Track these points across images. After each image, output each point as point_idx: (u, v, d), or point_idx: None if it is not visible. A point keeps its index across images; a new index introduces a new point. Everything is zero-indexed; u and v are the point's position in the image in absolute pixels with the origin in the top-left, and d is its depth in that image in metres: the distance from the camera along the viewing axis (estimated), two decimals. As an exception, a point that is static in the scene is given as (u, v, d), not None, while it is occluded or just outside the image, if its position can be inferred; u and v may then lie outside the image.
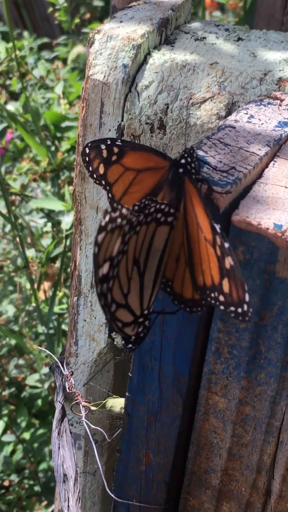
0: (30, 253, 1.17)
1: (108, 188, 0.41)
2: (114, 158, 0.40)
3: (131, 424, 0.48)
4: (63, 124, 1.17)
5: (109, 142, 0.40)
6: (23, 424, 1.20)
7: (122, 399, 0.56)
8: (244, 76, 0.50)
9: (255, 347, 0.40)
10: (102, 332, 0.63)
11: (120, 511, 0.54)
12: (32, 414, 1.25)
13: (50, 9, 1.42)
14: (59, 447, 0.55)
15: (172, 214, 0.36)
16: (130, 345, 0.38)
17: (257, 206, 0.37)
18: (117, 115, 0.53)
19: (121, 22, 0.54)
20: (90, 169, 0.41)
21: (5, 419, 1.21)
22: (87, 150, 0.41)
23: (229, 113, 0.50)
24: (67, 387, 0.62)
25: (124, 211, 0.32)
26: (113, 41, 0.52)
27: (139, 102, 0.52)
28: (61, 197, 1.11)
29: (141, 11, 0.57)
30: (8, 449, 1.21)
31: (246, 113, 0.46)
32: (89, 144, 0.41)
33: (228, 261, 0.32)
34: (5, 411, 1.22)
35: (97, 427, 0.55)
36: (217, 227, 0.33)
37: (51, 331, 1.15)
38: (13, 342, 1.24)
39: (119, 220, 0.32)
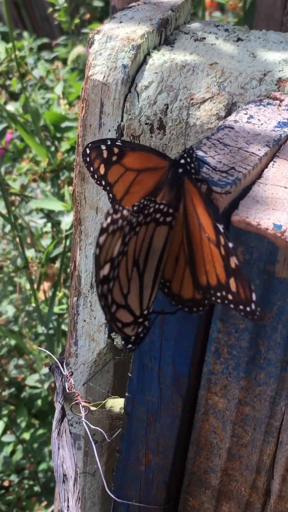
0: (30, 253, 1.17)
1: (108, 188, 0.41)
2: (114, 158, 0.40)
3: (130, 424, 0.49)
4: (63, 125, 1.17)
5: (109, 143, 0.40)
6: (23, 425, 1.20)
7: (121, 399, 0.56)
8: (244, 76, 0.50)
9: (254, 347, 0.40)
10: (101, 332, 0.63)
11: (120, 511, 0.54)
12: (32, 414, 1.25)
13: (50, 10, 1.42)
14: (58, 448, 0.55)
15: (171, 214, 0.36)
16: (129, 346, 0.38)
17: (256, 207, 0.37)
18: (116, 116, 0.53)
19: (120, 22, 0.54)
20: (91, 169, 0.41)
21: (5, 419, 1.21)
22: (88, 151, 0.41)
23: (228, 113, 0.50)
24: (66, 387, 0.62)
25: (125, 212, 0.32)
26: (112, 42, 0.52)
27: (138, 103, 0.52)
28: (61, 198, 1.11)
29: (141, 11, 0.57)
30: (8, 450, 1.21)
31: (246, 114, 0.46)
32: (90, 145, 0.41)
33: (233, 261, 0.33)
34: (5, 412, 1.22)
35: (96, 427, 0.55)
36: (221, 227, 0.33)
37: (51, 332, 1.15)
38: (13, 342, 1.24)
39: (120, 221, 0.32)
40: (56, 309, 1.12)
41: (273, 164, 0.41)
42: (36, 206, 1.14)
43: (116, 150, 0.40)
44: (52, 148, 1.20)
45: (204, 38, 0.56)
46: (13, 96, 1.47)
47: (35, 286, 1.06)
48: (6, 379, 1.20)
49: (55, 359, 0.67)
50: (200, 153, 0.40)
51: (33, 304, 1.12)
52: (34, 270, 1.14)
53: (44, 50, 1.64)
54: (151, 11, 0.57)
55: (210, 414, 0.45)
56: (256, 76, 0.50)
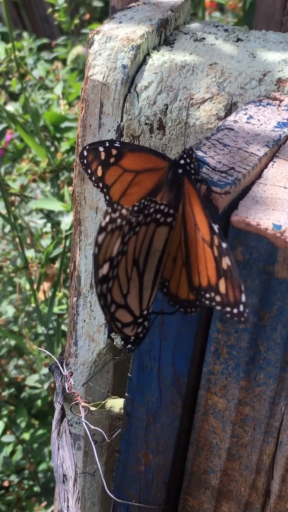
0: (30, 253, 1.17)
1: (105, 190, 0.41)
2: (112, 160, 0.40)
3: (130, 424, 0.49)
4: (63, 125, 1.17)
5: (107, 144, 0.40)
6: (23, 425, 1.20)
7: (121, 399, 0.56)
8: (244, 76, 0.50)
9: (254, 347, 0.40)
10: (101, 333, 0.63)
11: (120, 511, 0.54)
12: (31, 414, 1.25)
13: (50, 10, 1.42)
14: (58, 448, 0.55)
15: (171, 214, 0.36)
16: (129, 346, 0.38)
17: (256, 207, 0.37)
18: (116, 116, 0.53)
19: (120, 22, 0.54)
20: (89, 171, 0.41)
21: (5, 419, 1.21)
22: (85, 153, 0.41)
23: (228, 113, 0.50)
24: (66, 387, 0.62)
25: (124, 211, 0.32)
26: (112, 42, 0.52)
27: (138, 103, 0.52)
28: (61, 198, 1.11)
29: (140, 11, 0.57)
30: (7, 450, 1.21)
31: (245, 114, 0.46)
32: (87, 147, 0.41)
33: (225, 261, 0.32)
34: (4, 412, 1.22)
35: (96, 428, 0.55)
36: (215, 227, 0.33)
37: (51, 332, 1.15)
38: (12, 342, 1.24)
39: (119, 220, 0.32)
40: (56, 309, 1.12)
41: (273, 164, 0.41)
42: (36, 207, 1.14)
43: (114, 151, 0.40)
44: (52, 149, 1.20)
45: (203, 39, 0.56)
46: (13, 97, 1.47)
47: (35, 286, 1.06)
48: (6, 379, 1.20)
49: (55, 359, 0.67)
50: (199, 153, 0.40)
51: (33, 305, 1.12)
52: (34, 271, 1.14)
53: (43, 51, 1.64)
54: (150, 11, 0.57)
55: (210, 414, 0.45)
56: (256, 77, 0.50)
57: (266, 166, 0.41)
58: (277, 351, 0.39)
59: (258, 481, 0.45)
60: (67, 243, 1.07)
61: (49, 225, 1.24)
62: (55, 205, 1.07)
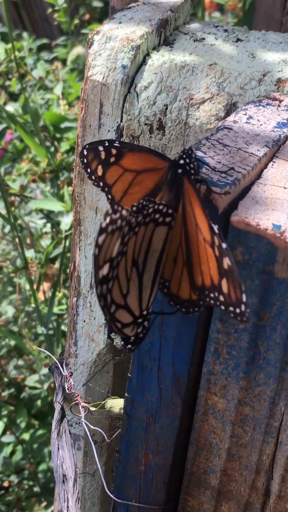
0: (30, 253, 1.17)
1: (107, 189, 0.41)
2: (112, 159, 0.40)
3: (130, 424, 0.49)
4: (63, 125, 1.17)
5: (107, 144, 0.40)
6: (23, 425, 1.20)
7: (121, 399, 0.56)
8: (243, 77, 0.50)
9: (254, 347, 0.40)
10: (101, 333, 0.63)
11: (119, 511, 0.54)
12: (31, 414, 1.25)
13: (50, 10, 1.42)
14: (58, 448, 0.55)
15: (170, 214, 0.36)
16: (129, 346, 0.38)
17: (256, 207, 0.37)
18: (116, 116, 0.53)
19: (120, 23, 0.55)
20: (89, 170, 0.41)
21: (5, 419, 1.21)
22: (85, 152, 0.41)
23: (228, 114, 0.50)
24: (66, 387, 0.62)
25: (124, 212, 0.33)
26: (112, 42, 0.52)
27: (138, 103, 0.52)
28: (61, 198, 1.11)
29: (140, 12, 0.57)
30: (7, 450, 1.21)
31: (245, 114, 0.46)
32: (87, 146, 0.41)
33: (226, 262, 0.33)
34: (4, 412, 1.22)
35: (96, 428, 0.55)
36: (215, 227, 0.33)
37: (51, 332, 1.15)
38: (12, 342, 1.24)
39: (119, 221, 0.32)
40: (55, 309, 1.12)
41: (272, 165, 0.41)
42: (36, 207, 1.14)
43: (114, 151, 0.40)
44: (52, 149, 1.20)
45: (203, 39, 0.56)
46: (13, 97, 1.47)
47: (35, 286, 1.06)
48: (5, 379, 1.20)
49: (55, 359, 0.67)
50: (199, 153, 0.40)
51: (33, 305, 1.12)
52: (34, 271, 1.14)
53: (43, 51, 1.64)
54: (150, 11, 0.57)
55: (210, 415, 0.45)
56: (256, 77, 0.50)
57: (265, 166, 0.41)
58: (277, 351, 0.39)
59: (258, 481, 0.45)
60: (67, 243, 1.07)
61: (49, 225, 1.24)
62: (55, 205, 1.07)
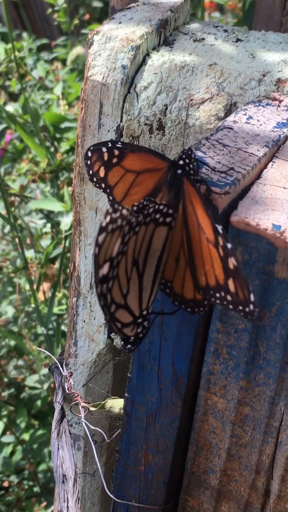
0: (30, 254, 1.17)
1: (108, 191, 0.41)
2: (114, 160, 0.40)
3: (130, 424, 0.49)
4: (62, 125, 1.17)
5: (110, 145, 0.40)
6: (23, 425, 1.20)
7: (121, 399, 0.56)
8: (243, 77, 0.50)
9: (254, 347, 0.40)
10: (101, 333, 0.63)
11: (120, 512, 0.54)
12: (31, 415, 1.25)
13: (49, 10, 1.42)
14: (58, 448, 0.55)
15: (170, 214, 0.36)
16: (129, 346, 0.38)
17: (255, 207, 0.37)
18: (116, 116, 0.53)
19: (120, 23, 0.55)
20: (90, 172, 0.41)
21: (5, 420, 1.21)
22: (90, 153, 0.41)
23: (228, 114, 0.50)
24: (66, 388, 0.62)
25: (124, 212, 0.33)
26: (112, 42, 0.52)
27: (138, 103, 0.52)
28: (60, 198, 1.11)
29: (140, 12, 0.57)
30: (7, 450, 1.21)
31: (245, 114, 0.46)
32: (92, 147, 0.41)
33: (232, 262, 0.33)
34: (4, 412, 1.22)
35: (96, 428, 0.55)
36: (219, 228, 0.33)
37: (51, 332, 1.15)
38: (12, 343, 1.24)
39: (119, 221, 0.32)
40: (55, 309, 1.12)
41: (272, 165, 0.41)
42: (36, 207, 1.14)
43: (116, 152, 0.40)
44: (52, 149, 1.20)
45: (203, 39, 0.56)
46: (13, 97, 1.47)
47: (35, 286, 1.06)
48: (5, 379, 1.20)
49: (55, 359, 0.67)
50: (199, 153, 0.40)
51: (33, 305, 1.12)
52: (34, 271, 1.14)
53: (43, 51, 1.64)
54: (150, 11, 0.57)
55: (210, 415, 0.45)
56: (255, 77, 0.50)
57: (265, 167, 0.41)
58: (277, 351, 0.39)
59: (258, 481, 0.45)
60: (67, 244, 1.07)
61: (48, 225, 1.24)
62: (55, 206, 1.07)
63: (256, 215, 0.36)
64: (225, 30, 0.58)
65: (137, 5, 0.59)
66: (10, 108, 1.26)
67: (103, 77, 0.52)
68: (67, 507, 0.50)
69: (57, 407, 0.60)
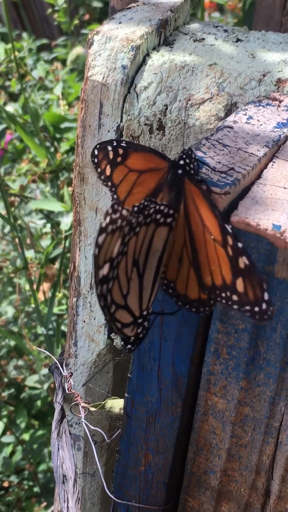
0: (30, 254, 1.17)
1: (113, 189, 0.41)
2: (119, 159, 0.40)
3: (130, 425, 0.49)
4: (62, 125, 1.17)
5: (115, 144, 0.40)
6: (23, 425, 1.20)
7: (121, 400, 0.56)
8: (243, 77, 0.50)
9: (254, 347, 0.40)
10: (101, 333, 0.63)
11: (120, 512, 0.54)
12: (31, 415, 1.25)
13: (49, 10, 1.42)
14: (58, 448, 0.55)
15: (171, 215, 0.36)
16: (129, 346, 0.38)
17: (256, 207, 0.37)
18: (116, 116, 0.53)
19: (120, 23, 0.55)
20: (99, 170, 0.41)
21: (5, 420, 1.21)
22: (96, 152, 0.41)
23: (228, 114, 0.50)
24: (66, 388, 0.62)
25: (124, 212, 0.32)
26: (112, 42, 0.52)
27: (138, 103, 0.52)
28: (60, 198, 1.11)
29: (140, 12, 0.57)
30: (7, 450, 1.21)
31: (245, 114, 0.46)
32: (98, 146, 0.41)
33: (243, 261, 0.33)
34: (4, 412, 1.22)
35: (96, 428, 0.55)
36: (228, 227, 0.33)
37: (51, 332, 1.15)
38: (12, 343, 1.24)
39: (119, 221, 0.32)
40: (55, 309, 1.12)
41: (272, 165, 0.41)
42: (36, 207, 1.14)
43: (121, 151, 0.40)
44: (52, 149, 1.20)
45: (203, 39, 0.56)
46: (13, 97, 1.47)
47: (35, 286, 1.06)
48: (5, 379, 1.20)
49: (55, 359, 0.67)
50: (199, 153, 0.40)
51: (33, 305, 1.12)
52: (34, 271, 1.14)
53: (43, 51, 1.64)
54: (150, 11, 0.57)
55: (210, 415, 0.45)
56: (256, 77, 0.50)
57: (265, 167, 0.41)
58: (277, 351, 0.39)
59: (258, 481, 0.45)
60: (67, 244, 1.07)
61: (48, 225, 1.24)
62: (55, 206, 1.07)
63: (256, 215, 0.36)
64: (225, 30, 0.58)
65: (137, 5, 0.59)
66: (10, 108, 1.26)
67: (103, 77, 0.52)
68: (67, 507, 0.50)
69: (57, 407, 0.60)
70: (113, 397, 0.58)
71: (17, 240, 1.07)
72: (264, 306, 0.33)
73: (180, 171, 0.37)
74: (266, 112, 0.47)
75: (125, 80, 0.52)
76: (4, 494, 1.20)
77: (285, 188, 0.39)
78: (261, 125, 0.45)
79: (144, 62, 0.53)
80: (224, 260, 0.34)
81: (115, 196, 0.41)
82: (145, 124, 0.52)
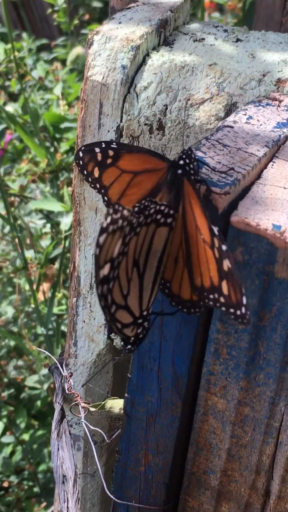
0: (29, 254, 1.17)
1: (103, 191, 0.41)
2: (109, 161, 0.40)
3: (130, 425, 0.48)
4: (62, 125, 1.17)
5: (103, 145, 0.40)
6: (22, 425, 1.20)
7: (121, 400, 0.56)
8: (243, 77, 0.50)
9: (254, 348, 0.40)
10: (101, 333, 0.63)
11: (120, 512, 0.54)
12: (31, 415, 1.25)
13: (49, 10, 1.42)
14: (58, 448, 0.55)
15: (171, 215, 0.36)
16: (129, 346, 0.38)
17: (255, 207, 0.37)
18: (116, 116, 0.53)
19: (120, 23, 0.54)
20: (85, 172, 0.41)
21: (5, 420, 1.20)
22: (81, 154, 0.41)
23: (228, 114, 0.50)
24: (66, 388, 0.62)
25: (125, 212, 0.32)
26: (112, 42, 0.52)
27: (138, 103, 0.52)
28: (60, 198, 1.11)
29: (140, 12, 0.57)
30: (7, 450, 1.21)
31: (245, 114, 0.46)
32: (83, 148, 0.41)
33: (226, 264, 0.33)
34: (4, 412, 1.22)
35: (96, 428, 0.55)
36: (215, 229, 0.33)
37: (50, 332, 1.15)
38: (12, 343, 1.24)
39: (120, 221, 0.32)
40: (55, 310, 1.12)
41: (272, 165, 0.41)
42: (36, 207, 1.14)
43: (111, 152, 0.40)
44: (51, 149, 1.20)
45: (203, 39, 0.56)
46: (12, 97, 1.47)
47: (35, 287, 1.06)
48: (5, 380, 1.20)
49: (55, 360, 0.67)
50: (199, 153, 0.40)
51: (33, 305, 1.12)
52: (34, 271, 1.14)
53: (43, 51, 1.64)
54: (150, 11, 0.57)
55: (210, 415, 0.45)
56: (255, 77, 0.50)
57: (265, 167, 0.41)
58: (277, 351, 0.39)
59: (258, 481, 0.45)
60: (67, 244, 1.07)
61: (48, 225, 1.24)
62: (55, 206, 1.07)
63: (256, 215, 0.36)
64: (225, 30, 0.58)
65: (137, 5, 0.59)
66: (10, 108, 1.26)
67: (103, 77, 0.52)
68: (67, 507, 0.50)
69: (57, 408, 0.60)
70: (113, 397, 0.58)
71: (17, 240, 1.07)
72: (243, 310, 0.33)
73: (179, 171, 0.37)
74: (266, 112, 0.47)
75: (125, 80, 0.52)
76: (4, 494, 1.20)
77: (285, 188, 0.39)
78: (261, 125, 0.45)
79: (144, 62, 0.53)
80: (212, 262, 0.34)
81: (105, 198, 0.41)
82: (145, 124, 0.52)
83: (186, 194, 0.36)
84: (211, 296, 0.34)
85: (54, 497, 0.92)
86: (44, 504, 1.19)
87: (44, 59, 1.50)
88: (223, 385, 0.43)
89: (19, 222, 1.21)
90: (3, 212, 1.14)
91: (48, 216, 1.21)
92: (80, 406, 0.58)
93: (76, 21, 1.44)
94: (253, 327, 0.39)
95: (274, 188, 0.39)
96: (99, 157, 0.40)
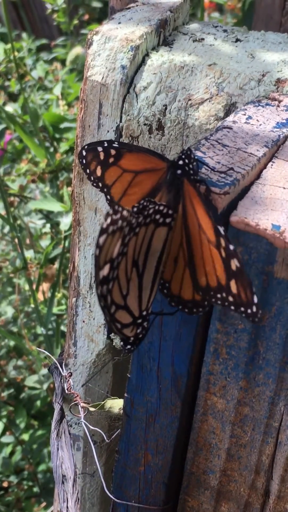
0: (29, 254, 1.17)
1: (106, 190, 0.41)
2: (111, 160, 0.40)
3: (129, 425, 0.49)
4: (62, 125, 1.17)
5: (106, 144, 0.40)
6: (22, 425, 1.20)
7: (120, 400, 0.56)
8: (243, 77, 0.50)
9: (253, 347, 0.40)
10: (100, 333, 0.63)
11: (119, 512, 0.54)
12: (31, 415, 1.25)
13: (49, 11, 1.42)
14: (58, 448, 0.55)
15: (170, 215, 0.36)
16: (129, 346, 0.38)
17: (255, 207, 0.37)
18: (115, 116, 0.53)
19: (119, 23, 0.55)
20: (88, 171, 0.41)
21: (4, 420, 1.20)
22: (84, 153, 0.41)
23: (227, 114, 0.50)
24: (66, 388, 0.62)
25: (125, 213, 0.32)
26: (111, 42, 0.52)
27: (137, 103, 0.52)
28: (60, 198, 1.11)
29: (139, 12, 0.57)
30: (7, 450, 1.21)
31: (244, 114, 0.46)
32: (86, 147, 0.41)
33: (234, 263, 0.33)
34: (4, 412, 1.22)
35: (96, 428, 0.55)
36: (221, 229, 0.33)
37: (50, 332, 1.15)
38: (12, 343, 1.24)
39: (120, 222, 0.32)
40: (55, 310, 1.12)
41: (272, 165, 0.41)
42: (35, 207, 1.14)
43: (113, 152, 0.40)
44: (51, 149, 1.20)
45: (202, 39, 0.56)
46: (12, 97, 1.47)
47: (34, 287, 1.06)
48: (5, 380, 1.20)
49: (54, 360, 0.67)
50: (198, 153, 0.40)
51: (32, 305, 1.12)
52: (33, 271, 1.14)
53: (43, 51, 1.64)
54: (149, 12, 0.57)
55: (209, 415, 0.45)
56: (255, 77, 0.50)
57: (265, 167, 0.41)
58: (276, 351, 0.39)
59: (258, 481, 0.45)
60: (66, 244, 1.07)
61: (48, 225, 1.24)
62: (54, 206, 1.07)
63: (256, 215, 0.36)
64: (224, 30, 0.58)
65: (137, 5, 0.59)
66: (10, 108, 1.26)
67: (103, 77, 0.52)
68: (67, 507, 0.50)
69: (57, 408, 0.60)
70: (112, 397, 0.58)
71: (16, 240, 1.07)
72: (254, 308, 0.33)
73: (179, 171, 0.37)
74: (266, 112, 0.47)
75: (124, 80, 0.52)
76: (3, 494, 1.20)
77: (284, 188, 0.39)
78: (260, 125, 0.45)
79: (143, 62, 0.53)
80: (218, 262, 0.34)
81: (108, 197, 0.41)
82: (145, 124, 0.52)
83: (187, 194, 0.36)
84: (219, 296, 0.34)
85: (53, 497, 0.92)
86: (43, 504, 1.19)
87: (44, 59, 1.50)
88: (223, 385, 0.43)
89: (18, 222, 1.21)
90: (3, 212, 1.14)
91: (48, 216, 1.21)
92: (79, 406, 0.58)
93: (75, 21, 1.44)
94: (253, 327, 0.40)
95: (273, 188, 0.39)
96: (102, 156, 0.40)
